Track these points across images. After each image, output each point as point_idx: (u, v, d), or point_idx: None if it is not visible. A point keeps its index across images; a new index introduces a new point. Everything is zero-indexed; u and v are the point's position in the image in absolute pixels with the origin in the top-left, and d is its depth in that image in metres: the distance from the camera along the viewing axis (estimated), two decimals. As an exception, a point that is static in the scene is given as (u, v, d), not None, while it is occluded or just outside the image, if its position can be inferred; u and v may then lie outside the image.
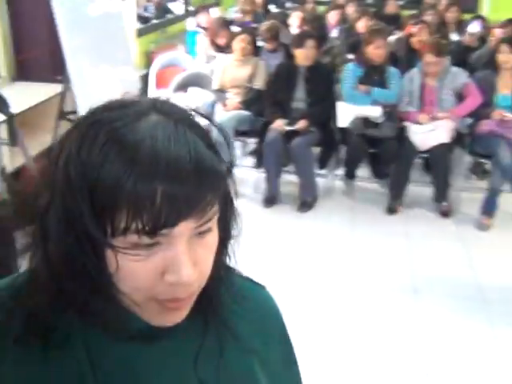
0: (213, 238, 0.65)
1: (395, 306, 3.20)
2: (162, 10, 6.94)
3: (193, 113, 0.66)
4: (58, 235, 0.61)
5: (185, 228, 0.60)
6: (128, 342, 0.69)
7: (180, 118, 0.63)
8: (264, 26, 5.14)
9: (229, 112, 4.50)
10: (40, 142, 3.36)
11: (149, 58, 5.85)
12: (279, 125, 4.25)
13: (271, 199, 4.35)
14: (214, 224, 0.64)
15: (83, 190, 0.58)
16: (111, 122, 0.60)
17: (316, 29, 4.99)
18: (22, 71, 3.86)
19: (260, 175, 4.51)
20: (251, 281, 0.85)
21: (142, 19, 6.19)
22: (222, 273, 0.73)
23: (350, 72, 4.49)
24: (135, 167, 0.57)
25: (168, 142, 0.59)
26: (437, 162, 4.19)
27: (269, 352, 0.80)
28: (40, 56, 3.79)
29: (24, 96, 3.47)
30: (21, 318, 0.66)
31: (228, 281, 0.76)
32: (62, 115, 3.21)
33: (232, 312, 0.77)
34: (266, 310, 0.84)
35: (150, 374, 0.70)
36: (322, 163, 4.50)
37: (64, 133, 0.65)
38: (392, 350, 2.84)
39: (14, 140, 2.42)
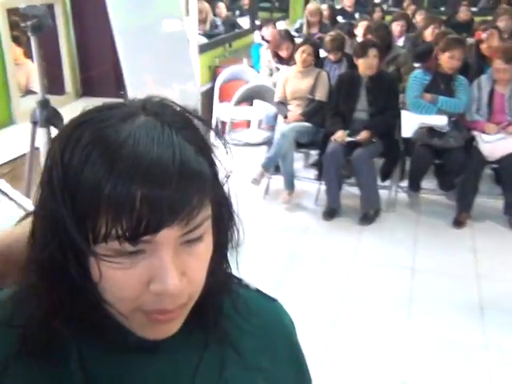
0: (204, 247, 0.61)
1: (460, 324, 3.04)
2: (230, 25, 7.04)
3: (189, 115, 0.63)
4: (43, 240, 0.59)
5: (169, 235, 0.56)
6: (125, 354, 0.67)
7: (170, 120, 0.59)
8: (328, 36, 5.09)
9: (290, 124, 4.48)
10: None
11: (214, 73, 5.94)
12: (340, 136, 4.18)
13: (332, 212, 4.27)
14: (205, 231, 0.60)
15: (64, 193, 0.56)
16: (96, 123, 0.58)
17: (381, 37, 4.87)
18: (87, 88, 4.01)
19: (321, 187, 4.44)
20: (261, 293, 0.80)
21: (209, 34, 6.31)
22: (221, 283, 0.70)
23: (416, 80, 4.36)
24: (114, 169, 0.54)
25: (151, 143, 0.56)
26: (507, 173, 3.99)
27: (277, 370, 0.75)
28: (104, 73, 3.93)
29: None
30: (15, 334, 0.65)
31: (233, 293, 0.73)
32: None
33: (236, 326, 0.73)
34: (275, 325, 0.79)
35: None
36: (385, 175, 4.38)
37: (55, 134, 0.64)
38: (460, 371, 2.69)
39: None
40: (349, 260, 3.70)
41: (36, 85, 3.98)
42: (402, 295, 3.32)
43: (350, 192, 4.51)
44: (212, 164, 0.62)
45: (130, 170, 0.54)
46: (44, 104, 2.36)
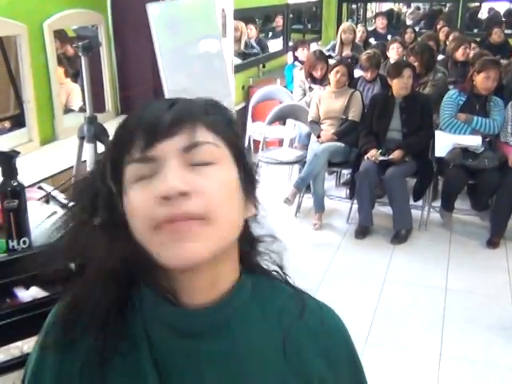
0: (218, 173, 0.69)
1: (494, 345, 3.02)
2: (263, 46, 7.16)
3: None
4: (88, 203, 0.73)
5: (168, 147, 0.67)
6: (192, 340, 0.72)
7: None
8: (365, 54, 5.15)
9: (323, 144, 4.53)
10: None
11: (247, 93, 6.04)
12: (373, 154, 4.22)
13: (364, 230, 4.29)
14: (215, 160, 0.69)
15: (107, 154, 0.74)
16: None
17: (424, 60, 4.86)
18: (126, 106, 4.13)
19: (353, 206, 4.47)
20: (320, 302, 0.85)
21: (243, 55, 6.43)
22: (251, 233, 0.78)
23: (451, 100, 4.37)
24: (130, 118, 0.72)
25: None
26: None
27: (335, 376, 0.79)
28: (143, 92, 4.04)
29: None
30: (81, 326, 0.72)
31: (299, 298, 0.80)
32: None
33: (298, 329, 0.78)
34: (334, 332, 0.82)
35: (215, 372, 0.72)
36: (418, 194, 4.39)
37: None
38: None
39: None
40: (381, 278, 3.71)
41: (75, 103, 4.15)
42: (434, 315, 3.31)
43: (382, 211, 4.53)
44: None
45: (138, 113, 0.72)
46: (92, 120, 2.46)
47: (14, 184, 1.45)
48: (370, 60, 5.03)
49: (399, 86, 4.24)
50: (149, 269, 0.71)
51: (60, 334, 0.74)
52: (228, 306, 0.74)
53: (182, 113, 0.70)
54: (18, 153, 1.46)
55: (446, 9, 9.79)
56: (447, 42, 6.66)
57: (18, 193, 1.45)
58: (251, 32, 7.10)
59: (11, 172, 1.43)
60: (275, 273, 0.83)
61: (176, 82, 3.62)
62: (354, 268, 3.84)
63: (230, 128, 0.74)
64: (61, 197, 1.79)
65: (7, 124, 3.67)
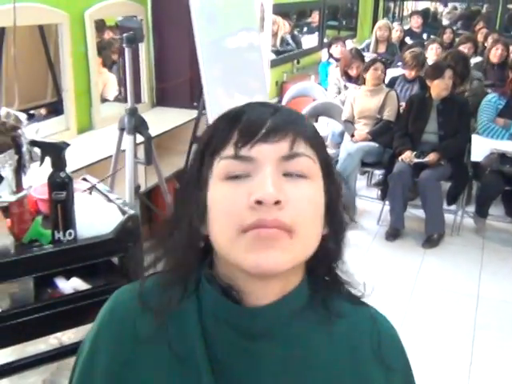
0: (309, 187, 0.69)
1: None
2: (297, 42, 7.12)
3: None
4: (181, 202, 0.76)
5: (267, 153, 0.67)
6: (251, 341, 0.71)
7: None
8: (410, 52, 5.08)
9: (357, 144, 4.48)
10: (172, 163, 3.57)
11: (281, 88, 6.01)
12: (408, 156, 4.16)
13: (395, 233, 4.24)
14: (308, 174, 0.69)
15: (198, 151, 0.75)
16: None
17: (460, 70, 4.73)
18: (162, 98, 4.13)
19: (385, 207, 4.42)
20: (377, 311, 0.86)
21: (278, 51, 6.40)
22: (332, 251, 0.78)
23: (489, 104, 4.29)
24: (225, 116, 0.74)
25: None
26: None
27: (388, 377, 0.78)
28: (179, 84, 4.04)
29: (162, 120, 3.71)
30: (149, 318, 0.73)
31: (368, 314, 0.81)
32: (195, 140, 3.39)
33: (361, 342, 0.77)
34: (390, 341, 0.82)
35: (272, 375, 0.71)
36: (452, 199, 4.32)
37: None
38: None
39: (149, 160, 2.59)
40: (411, 283, 3.66)
41: (110, 93, 4.16)
42: (465, 321, 3.26)
43: (414, 214, 4.47)
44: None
45: (239, 110, 0.73)
46: (133, 112, 2.46)
47: (63, 176, 1.45)
48: (417, 58, 4.95)
49: (441, 87, 4.14)
50: (214, 265, 0.74)
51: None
52: (289, 306, 0.73)
53: (286, 121, 0.70)
54: (68, 145, 1.46)
55: (484, 9, 9.62)
56: (486, 44, 6.54)
57: (66, 184, 1.45)
58: (285, 27, 7.06)
59: (60, 164, 1.43)
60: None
61: (212, 75, 3.60)
62: (383, 270, 3.79)
63: (322, 145, 0.75)
64: (104, 188, 1.79)
65: (43, 111, 3.70)
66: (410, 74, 5.04)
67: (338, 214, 0.76)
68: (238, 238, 0.66)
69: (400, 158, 4.19)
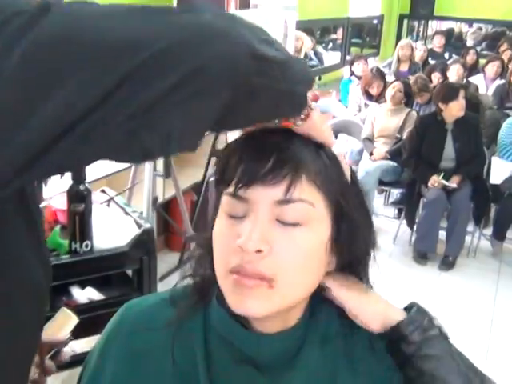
0: (302, 236, 0.66)
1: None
2: (319, 58, 7.13)
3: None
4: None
5: (262, 195, 0.65)
6: (255, 367, 0.72)
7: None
8: (412, 79, 5.10)
9: (375, 162, 4.49)
10: (190, 176, 3.61)
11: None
12: (436, 180, 4.05)
13: (426, 256, 4.20)
14: (304, 223, 0.66)
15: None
16: None
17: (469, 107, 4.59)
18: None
19: (401, 226, 4.41)
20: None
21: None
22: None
23: (511, 126, 4.27)
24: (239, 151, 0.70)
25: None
26: None
27: None
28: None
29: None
30: (155, 332, 0.76)
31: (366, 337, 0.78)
32: (214, 153, 3.42)
33: (367, 353, 0.78)
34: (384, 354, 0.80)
35: None
36: (477, 219, 4.24)
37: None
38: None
39: (168, 173, 2.64)
40: (426, 304, 3.62)
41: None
42: (478, 346, 3.23)
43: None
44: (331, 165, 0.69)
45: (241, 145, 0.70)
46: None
47: (82, 188, 1.49)
48: (416, 85, 4.96)
49: (457, 109, 4.04)
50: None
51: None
52: (296, 334, 0.74)
53: (289, 159, 0.66)
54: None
55: (511, 33, 9.54)
56: (510, 65, 6.50)
57: (85, 197, 1.49)
58: (308, 43, 7.09)
59: (80, 177, 1.47)
60: None
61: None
62: (398, 290, 3.77)
63: (336, 181, 0.70)
64: (121, 201, 1.83)
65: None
66: (422, 99, 5.03)
67: (357, 243, 0.73)
68: (226, 276, 0.67)
69: (430, 184, 4.07)
